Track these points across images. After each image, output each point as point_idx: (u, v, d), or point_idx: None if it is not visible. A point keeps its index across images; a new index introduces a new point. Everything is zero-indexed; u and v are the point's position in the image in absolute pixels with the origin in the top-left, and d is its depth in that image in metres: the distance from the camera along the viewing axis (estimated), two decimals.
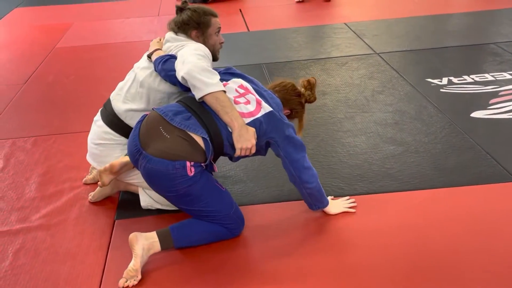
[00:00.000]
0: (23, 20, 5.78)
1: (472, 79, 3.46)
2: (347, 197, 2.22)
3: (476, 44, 4.16)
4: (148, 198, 2.21)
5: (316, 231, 2.07)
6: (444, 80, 3.46)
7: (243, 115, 1.93)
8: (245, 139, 1.88)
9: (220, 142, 1.91)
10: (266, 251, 1.96)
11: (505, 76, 3.47)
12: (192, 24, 2.15)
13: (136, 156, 1.90)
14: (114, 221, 2.19)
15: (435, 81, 3.46)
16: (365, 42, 4.34)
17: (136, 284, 1.81)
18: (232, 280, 1.82)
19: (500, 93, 3.22)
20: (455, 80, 3.46)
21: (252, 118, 1.93)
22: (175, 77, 2.01)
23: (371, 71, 3.71)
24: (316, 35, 4.74)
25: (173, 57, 2.09)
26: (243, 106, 1.95)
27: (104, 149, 2.20)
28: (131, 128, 2.13)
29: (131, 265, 1.82)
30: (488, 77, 3.48)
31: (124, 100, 2.21)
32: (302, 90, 2.17)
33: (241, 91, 2.01)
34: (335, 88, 3.45)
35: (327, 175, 2.43)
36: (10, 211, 2.30)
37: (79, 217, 2.22)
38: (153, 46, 2.25)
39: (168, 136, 1.85)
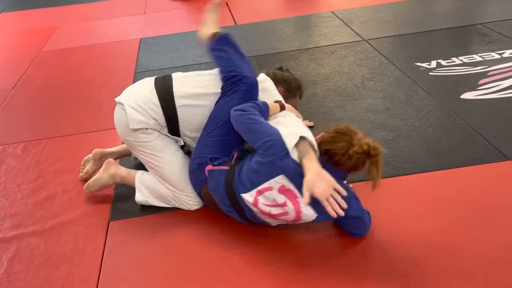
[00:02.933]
0: (8, 25, 5.73)
1: (461, 60, 3.45)
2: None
3: (463, 25, 4.15)
4: (144, 194, 2.20)
5: None
6: (433, 63, 3.45)
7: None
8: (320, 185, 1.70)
9: None
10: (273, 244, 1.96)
11: (493, 56, 3.47)
12: (286, 84, 2.41)
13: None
14: (109, 223, 2.17)
15: (424, 64, 3.45)
16: (353, 29, 4.33)
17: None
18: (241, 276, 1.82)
19: (489, 73, 3.22)
20: (443, 62, 3.45)
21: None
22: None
23: (360, 58, 3.70)
24: (304, 25, 4.72)
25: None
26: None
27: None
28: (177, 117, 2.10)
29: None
30: (477, 57, 3.47)
31: (193, 96, 2.14)
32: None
33: (282, 200, 1.80)
34: (324, 77, 3.44)
35: None
36: (3, 218, 2.29)
37: (73, 221, 2.21)
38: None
39: None
